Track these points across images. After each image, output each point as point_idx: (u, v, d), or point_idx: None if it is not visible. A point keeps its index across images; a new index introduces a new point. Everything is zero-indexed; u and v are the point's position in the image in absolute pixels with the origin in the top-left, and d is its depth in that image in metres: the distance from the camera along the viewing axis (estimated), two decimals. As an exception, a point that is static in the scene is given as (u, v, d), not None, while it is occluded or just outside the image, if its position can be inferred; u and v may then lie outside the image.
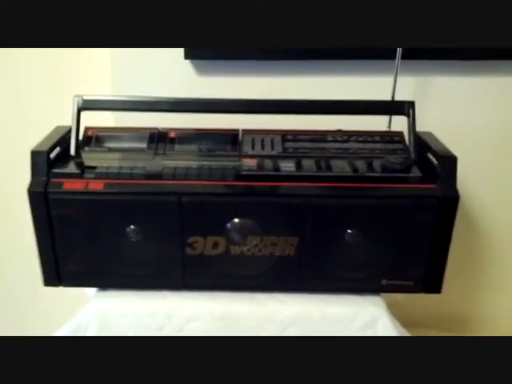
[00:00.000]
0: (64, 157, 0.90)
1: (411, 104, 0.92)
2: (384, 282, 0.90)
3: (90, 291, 0.95)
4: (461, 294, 1.30)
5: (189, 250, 0.87)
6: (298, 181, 0.85)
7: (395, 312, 0.93)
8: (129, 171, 0.85)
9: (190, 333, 0.89)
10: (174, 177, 0.84)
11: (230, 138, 0.95)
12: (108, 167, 0.85)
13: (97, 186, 0.83)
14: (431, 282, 0.90)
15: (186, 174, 0.84)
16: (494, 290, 1.32)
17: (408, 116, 0.92)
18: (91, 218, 0.85)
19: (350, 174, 0.86)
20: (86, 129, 0.95)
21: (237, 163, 0.88)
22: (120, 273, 0.89)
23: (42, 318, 1.38)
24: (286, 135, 0.96)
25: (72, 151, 0.91)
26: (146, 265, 0.88)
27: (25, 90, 1.20)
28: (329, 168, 0.87)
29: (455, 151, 0.87)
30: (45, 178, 0.84)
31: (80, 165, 0.87)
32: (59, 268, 0.88)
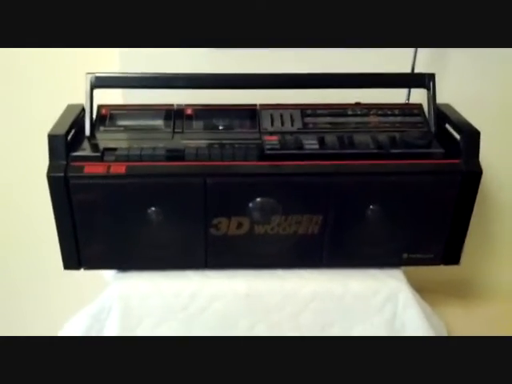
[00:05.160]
0: (79, 138, 0.87)
1: (432, 76, 0.91)
2: (405, 255, 0.91)
3: (108, 275, 0.94)
4: (475, 262, 1.33)
5: (213, 231, 0.86)
6: (322, 159, 0.84)
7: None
8: (150, 153, 0.82)
9: (213, 312, 0.90)
10: (197, 157, 0.83)
11: (248, 113, 0.93)
12: (129, 149, 0.83)
13: (119, 169, 0.81)
14: (451, 254, 0.92)
15: (210, 155, 0.83)
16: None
17: (428, 89, 0.91)
18: (113, 201, 0.83)
19: (375, 151, 0.85)
20: (100, 107, 0.92)
21: (258, 141, 0.87)
22: (142, 254, 0.88)
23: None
24: (304, 110, 0.94)
25: (87, 132, 0.88)
26: (169, 246, 0.88)
27: (31, 68, 1.14)
28: (352, 144, 0.86)
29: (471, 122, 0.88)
30: (64, 162, 0.82)
31: (98, 147, 0.85)
32: (80, 251, 0.87)
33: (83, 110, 0.89)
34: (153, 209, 0.84)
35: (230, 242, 0.87)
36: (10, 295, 1.30)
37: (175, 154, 0.83)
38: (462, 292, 1.33)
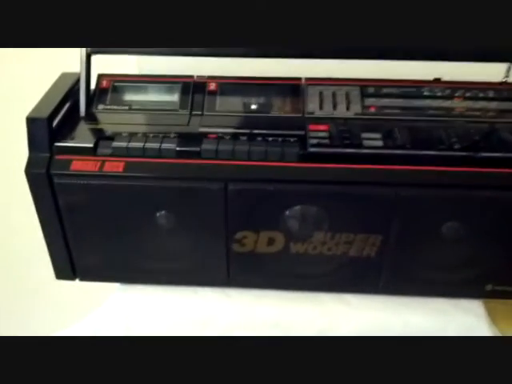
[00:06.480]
0: (72, 117, 0.68)
1: (545, 46, 0.65)
2: (489, 287, 0.69)
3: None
4: None
5: (236, 247, 0.67)
6: (386, 162, 0.62)
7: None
8: (157, 146, 0.63)
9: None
10: (216, 155, 0.62)
11: (290, 89, 0.71)
12: (129, 139, 0.63)
13: (115, 167, 0.62)
14: (550, 289, 0.69)
15: (233, 152, 0.62)
16: None
17: (538, 63, 0.66)
18: (109, 206, 0.65)
19: (460, 153, 0.62)
20: (100, 78, 0.72)
21: (301, 132, 0.65)
22: (147, 267, 0.71)
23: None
24: (365, 87, 0.71)
25: (82, 111, 0.69)
26: (179, 260, 0.70)
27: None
28: (428, 142, 0.63)
29: None
30: (47, 155, 0.63)
31: (92, 133, 0.66)
32: (73, 260, 0.71)
33: (78, 81, 0.69)
34: (159, 215, 0.65)
35: (258, 260, 0.68)
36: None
37: (188, 149, 0.63)
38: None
